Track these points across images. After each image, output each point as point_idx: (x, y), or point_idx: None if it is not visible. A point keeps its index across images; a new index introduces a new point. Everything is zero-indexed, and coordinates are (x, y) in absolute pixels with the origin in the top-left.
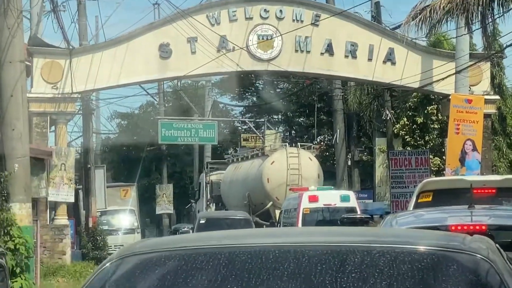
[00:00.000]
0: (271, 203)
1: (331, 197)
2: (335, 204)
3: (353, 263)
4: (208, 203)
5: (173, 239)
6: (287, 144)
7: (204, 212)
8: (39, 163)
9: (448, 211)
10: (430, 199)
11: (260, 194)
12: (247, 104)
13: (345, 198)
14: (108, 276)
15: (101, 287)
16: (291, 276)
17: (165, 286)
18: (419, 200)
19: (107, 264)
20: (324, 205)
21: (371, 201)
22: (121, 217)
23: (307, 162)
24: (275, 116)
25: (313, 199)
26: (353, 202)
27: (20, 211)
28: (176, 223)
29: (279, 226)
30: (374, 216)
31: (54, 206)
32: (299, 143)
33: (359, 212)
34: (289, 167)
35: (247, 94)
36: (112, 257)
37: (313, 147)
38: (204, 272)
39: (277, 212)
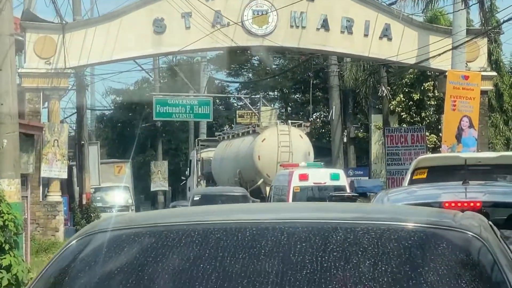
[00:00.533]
0: (262, 180)
1: (321, 176)
2: (325, 183)
3: (336, 241)
4: (198, 180)
5: (145, 215)
6: (278, 121)
7: (199, 188)
8: (30, 139)
9: (441, 187)
10: (425, 176)
11: (251, 171)
12: (242, 81)
13: (335, 177)
14: (73, 254)
15: (66, 266)
16: (268, 255)
17: (132, 265)
18: (414, 177)
19: (73, 242)
20: (314, 183)
21: (366, 178)
22: (115, 194)
23: (297, 139)
24: (271, 93)
25: (303, 177)
26: (342, 181)
27: (9, 187)
28: (171, 200)
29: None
30: (370, 193)
31: (47, 182)
32: (290, 121)
33: (348, 190)
34: (280, 145)
35: (242, 71)
36: (79, 234)
37: (304, 125)
38: (176, 250)
39: (268, 188)
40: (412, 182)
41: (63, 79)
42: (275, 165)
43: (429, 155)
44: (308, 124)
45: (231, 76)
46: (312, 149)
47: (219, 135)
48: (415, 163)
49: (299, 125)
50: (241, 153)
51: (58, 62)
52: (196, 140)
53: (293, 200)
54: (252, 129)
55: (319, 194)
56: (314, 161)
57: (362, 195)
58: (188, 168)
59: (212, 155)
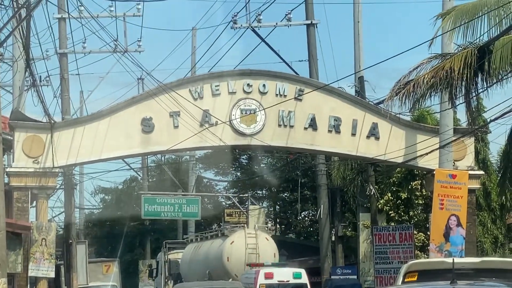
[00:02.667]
0: (230, 279)
1: (285, 274)
2: (288, 281)
3: None
4: (166, 280)
5: None
6: (245, 225)
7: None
8: (17, 238)
9: (430, 287)
10: (415, 278)
11: (221, 272)
12: (231, 179)
13: (297, 275)
14: None
15: None
16: None
17: None
18: (405, 280)
19: None
20: (278, 281)
21: (355, 277)
22: None
23: (264, 242)
24: (259, 192)
25: (269, 275)
26: (304, 279)
27: None
28: None
29: None
30: None
31: (35, 281)
32: (256, 225)
33: None
34: (247, 247)
35: (231, 169)
36: None
37: (269, 228)
38: None
39: None
40: (404, 284)
41: (51, 178)
42: (243, 266)
43: (419, 260)
44: (273, 228)
45: (219, 174)
46: (277, 251)
47: (187, 238)
48: (406, 267)
49: (265, 229)
50: (210, 254)
51: (46, 161)
52: (164, 242)
53: None
54: (221, 232)
55: None
56: (280, 262)
57: None
58: (155, 270)
59: (179, 256)
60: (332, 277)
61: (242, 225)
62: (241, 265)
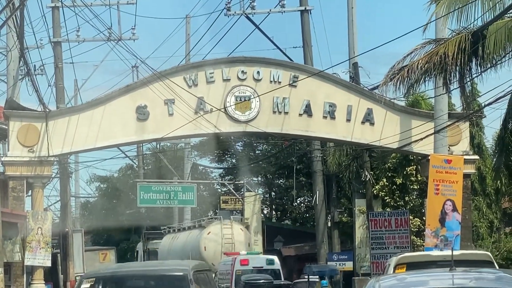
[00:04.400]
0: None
1: (259, 261)
2: (262, 267)
3: None
4: None
5: None
6: (221, 217)
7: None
8: (13, 227)
9: (430, 274)
10: (404, 270)
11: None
12: (226, 166)
13: (270, 262)
14: None
15: None
16: None
17: None
18: (396, 271)
19: None
20: (253, 267)
21: (351, 262)
22: None
23: (239, 232)
24: (255, 178)
25: (244, 262)
26: (277, 265)
27: None
28: None
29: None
30: (332, 276)
31: (31, 270)
32: (231, 216)
33: (281, 275)
34: (223, 237)
35: (226, 156)
36: None
37: (244, 219)
38: None
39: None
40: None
41: (47, 167)
42: (220, 255)
43: (407, 254)
44: (247, 219)
45: (215, 162)
46: (252, 240)
47: (164, 229)
48: (396, 260)
49: (240, 220)
50: (188, 244)
51: (42, 150)
52: (143, 232)
53: (235, 282)
54: (198, 224)
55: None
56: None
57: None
58: (135, 259)
59: (158, 246)
60: (329, 263)
61: (218, 217)
62: (217, 254)
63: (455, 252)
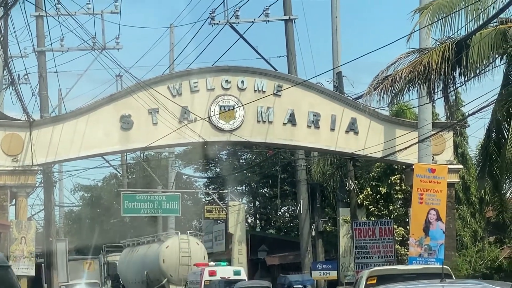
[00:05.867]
0: (166, 279)
1: (226, 272)
2: (229, 277)
3: None
4: (105, 280)
5: None
6: (178, 232)
7: None
8: None
9: (423, 285)
10: (375, 281)
11: (157, 272)
12: (210, 176)
13: (237, 272)
14: None
15: None
16: None
17: None
18: (368, 283)
19: None
20: (221, 277)
21: (335, 272)
22: None
23: (195, 246)
24: (239, 188)
25: (212, 273)
26: (243, 275)
27: None
28: None
29: None
30: (306, 286)
31: None
32: (188, 231)
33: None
34: (181, 250)
35: (210, 165)
36: None
37: (200, 234)
38: None
39: (172, 287)
40: (366, 286)
41: (31, 176)
42: (177, 267)
43: (377, 268)
44: (203, 234)
45: (199, 171)
46: (207, 253)
47: (124, 243)
48: (368, 273)
49: (196, 235)
50: (148, 257)
51: (26, 159)
52: (103, 246)
53: None
54: (157, 238)
55: (225, 286)
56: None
57: None
58: None
59: (117, 258)
60: (313, 272)
61: (176, 232)
62: (175, 266)
63: (418, 266)
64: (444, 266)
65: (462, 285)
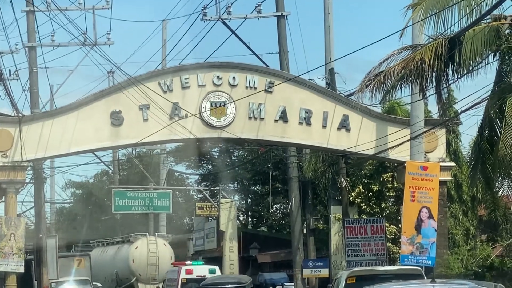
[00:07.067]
0: (135, 278)
1: (202, 270)
2: (205, 275)
3: None
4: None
5: None
6: (147, 233)
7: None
8: None
9: (416, 285)
10: (354, 281)
11: (126, 272)
12: (202, 173)
13: (212, 271)
14: None
15: None
16: None
17: None
18: (347, 282)
19: None
20: (197, 276)
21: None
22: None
23: (162, 247)
24: (231, 185)
25: (189, 271)
26: (218, 274)
27: None
28: None
29: None
30: (277, 285)
31: (4, 276)
32: (156, 233)
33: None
34: (149, 251)
35: (202, 163)
36: None
37: (167, 235)
38: None
39: (140, 285)
40: (346, 286)
41: (20, 172)
42: (146, 267)
43: (356, 268)
44: (170, 235)
45: (191, 168)
46: (174, 254)
47: (93, 243)
48: (347, 274)
49: (163, 236)
50: (117, 257)
51: (15, 155)
52: (73, 246)
53: None
54: (126, 239)
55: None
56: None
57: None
58: None
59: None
60: (304, 270)
61: (144, 233)
62: (144, 266)
63: (394, 267)
64: (417, 267)
65: (450, 285)
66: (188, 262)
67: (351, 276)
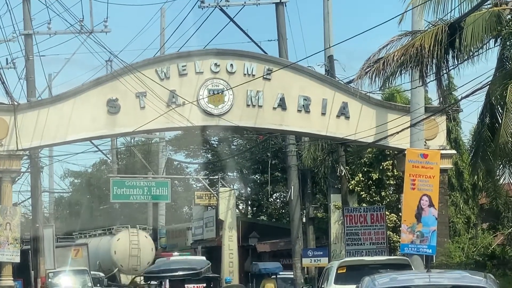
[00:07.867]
0: (117, 269)
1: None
2: None
3: None
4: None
5: None
6: (129, 226)
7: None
8: None
9: (413, 274)
10: (344, 271)
11: (109, 263)
12: (201, 161)
13: None
14: None
15: None
16: None
17: None
18: (338, 272)
19: None
20: None
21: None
22: (74, 277)
23: (143, 239)
24: (230, 174)
25: None
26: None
27: None
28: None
29: None
30: (272, 274)
31: (0, 266)
32: (137, 225)
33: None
34: (131, 243)
35: (201, 151)
36: None
37: (148, 228)
38: None
39: (122, 276)
40: (337, 275)
41: (16, 161)
42: (128, 258)
43: (346, 258)
44: (151, 227)
45: (190, 157)
46: (154, 246)
47: (76, 234)
48: (338, 264)
49: (144, 229)
50: (100, 249)
51: (10, 143)
52: (56, 237)
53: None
54: (109, 231)
55: None
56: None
57: (267, 275)
58: None
59: None
60: (304, 259)
61: (126, 226)
62: (126, 257)
63: (382, 258)
64: (404, 258)
65: (445, 274)
66: (176, 253)
67: (342, 267)
